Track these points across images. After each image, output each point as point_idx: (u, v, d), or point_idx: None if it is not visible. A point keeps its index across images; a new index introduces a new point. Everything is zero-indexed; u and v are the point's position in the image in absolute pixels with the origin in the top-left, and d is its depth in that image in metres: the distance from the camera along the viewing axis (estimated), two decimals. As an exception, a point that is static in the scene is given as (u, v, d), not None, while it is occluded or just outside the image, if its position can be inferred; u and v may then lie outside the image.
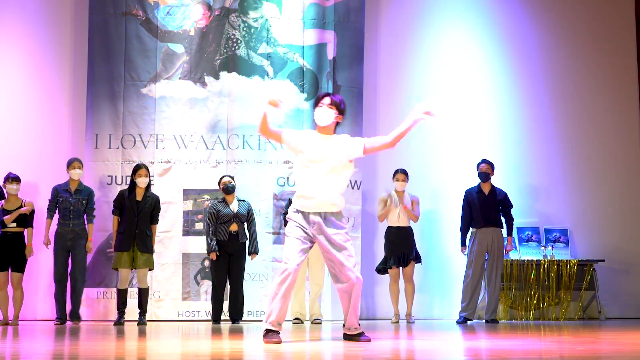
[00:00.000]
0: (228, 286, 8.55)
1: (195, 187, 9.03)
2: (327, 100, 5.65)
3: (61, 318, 8.32)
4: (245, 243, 8.51)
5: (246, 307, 8.66)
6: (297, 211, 5.59)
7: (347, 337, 5.67)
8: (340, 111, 5.67)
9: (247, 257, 8.59)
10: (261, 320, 8.71)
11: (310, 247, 5.62)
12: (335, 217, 5.58)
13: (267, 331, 5.47)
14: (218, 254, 8.36)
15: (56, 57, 9.33)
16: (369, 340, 5.57)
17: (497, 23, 10.10)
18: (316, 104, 5.71)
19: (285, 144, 5.72)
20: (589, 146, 10.02)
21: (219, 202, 8.58)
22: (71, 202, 8.41)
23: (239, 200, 8.59)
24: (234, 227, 8.45)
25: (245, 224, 8.56)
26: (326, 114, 5.61)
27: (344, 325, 5.70)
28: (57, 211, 8.44)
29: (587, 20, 10.21)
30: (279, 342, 5.38)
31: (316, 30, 9.37)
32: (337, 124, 5.74)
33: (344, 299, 5.60)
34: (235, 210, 8.49)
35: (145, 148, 9.02)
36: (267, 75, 9.25)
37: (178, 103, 9.11)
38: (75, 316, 8.36)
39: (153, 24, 9.14)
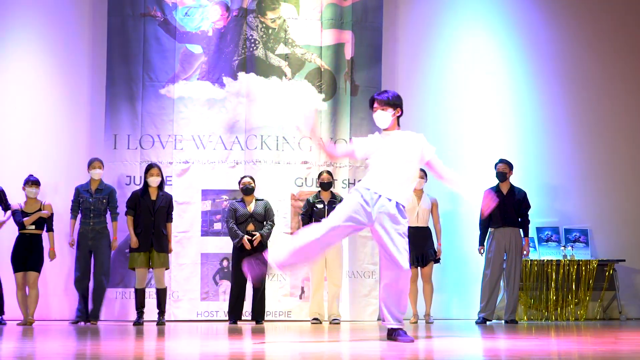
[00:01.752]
0: (248, 286, 8.56)
1: (213, 188, 9.06)
2: (375, 104, 5.74)
3: (84, 317, 8.37)
4: (264, 244, 8.51)
5: (266, 308, 8.66)
6: (367, 189, 5.55)
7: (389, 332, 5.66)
8: (394, 105, 5.72)
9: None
10: (281, 321, 8.74)
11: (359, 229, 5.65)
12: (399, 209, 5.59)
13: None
14: (241, 239, 8.35)
15: (75, 58, 9.39)
16: (411, 340, 5.49)
17: (515, 23, 10.06)
18: (370, 107, 5.83)
19: (360, 155, 5.78)
20: (608, 145, 9.95)
21: (237, 201, 8.61)
22: (91, 202, 8.47)
23: (257, 200, 8.61)
24: (250, 227, 8.47)
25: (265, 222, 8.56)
26: (382, 116, 5.70)
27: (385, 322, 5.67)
28: (79, 211, 8.51)
29: (605, 20, 10.14)
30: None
31: (334, 30, 9.36)
32: (398, 117, 5.79)
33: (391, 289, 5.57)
34: (252, 210, 8.50)
35: (164, 148, 9.05)
36: (285, 75, 9.25)
37: (196, 104, 9.14)
38: (95, 316, 8.40)
39: (171, 24, 9.17)
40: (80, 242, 8.45)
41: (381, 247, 5.61)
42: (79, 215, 8.50)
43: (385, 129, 5.74)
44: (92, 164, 8.56)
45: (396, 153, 5.62)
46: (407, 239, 5.60)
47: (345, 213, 5.51)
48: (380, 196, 5.53)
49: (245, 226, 8.47)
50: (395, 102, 5.73)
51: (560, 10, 10.12)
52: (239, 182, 8.66)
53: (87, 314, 8.39)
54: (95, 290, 8.43)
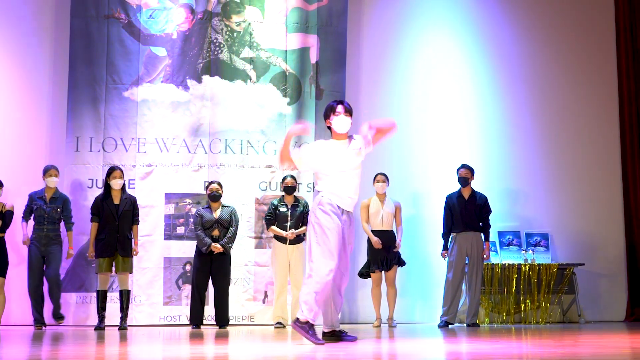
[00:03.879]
0: (210, 291, 8.54)
1: (177, 191, 9.00)
2: (341, 108, 5.96)
3: (41, 322, 8.29)
4: (227, 251, 8.49)
5: (229, 312, 8.64)
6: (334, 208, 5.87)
7: (337, 335, 5.99)
8: (351, 114, 6.04)
9: (232, 263, 8.58)
10: (244, 325, 8.74)
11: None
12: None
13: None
14: (213, 247, 8.34)
15: (37, 59, 9.27)
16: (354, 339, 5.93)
17: (479, 28, 10.16)
18: (331, 112, 5.97)
19: (303, 169, 6.21)
20: (568, 151, 10.10)
21: (204, 207, 8.58)
22: (45, 210, 8.39)
23: (224, 207, 8.59)
24: (215, 233, 8.44)
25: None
26: (345, 122, 5.95)
27: (328, 326, 6.01)
28: (32, 217, 8.43)
29: (568, 26, 10.30)
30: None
31: (299, 34, 9.38)
32: None
33: (338, 296, 5.97)
34: (218, 216, 8.48)
35: (127, 151, 8.98)
36: (250, 79, 9.24)
37: (160, 106, 9.08)
38: (58, 316, 8.34)
39: (135, 27, 9.11)
40: (32, 249, 8.38)
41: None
42: (32, 222, 8.43)
43: (340, 135, 5.98)
44: (48, 171, 8.47)
45: (348, 162, 5.91)
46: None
47: (336, 248, 5.78)
48: (342, 211, 5.89)
49: (211, 232, 8.44)
50: (351, 112, 6.04)
51: (525, 15, 10.25)
52: (206, 188, 8.63)
53: (43, 319, 8.32)
54: (51, 292, 8.36)
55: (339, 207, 5.84)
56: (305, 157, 5.98)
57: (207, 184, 8.73)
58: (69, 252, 8.47)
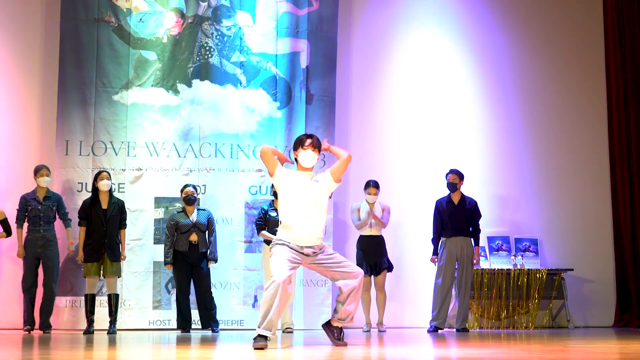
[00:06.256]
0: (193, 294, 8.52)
1: (166, 195, 8.99)
2: (308, 141, 6.06)
3: (31, 324, 8.24)
4: (206, 252, 8.48)
5: (218, 316, 8.62)
6: (283, 243, 5.91)
7: (331, 330, 6.19)
8: (320, 149, 6.13)
9: (222, 267, 8.56)
10: (234, 329, 8.72)
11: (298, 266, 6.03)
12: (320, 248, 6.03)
13: (258, 336, 5.75)
14: (172, 265, 8.40)
15: (26, 62, 9.24)
16: (345, 344, 6.07)
17: (469, 34, 10.19)
18: (299, 145, 6.07)
19: (275, 179, 6.06)
20: (558, 157, 10.13)
21: (178, 212, 8.56)
22: (40, 210, 8.34)
23: (199, 210, 8.57)
24: (193, 237, 8.42)
25: (207, 232, 8.53)
26: (311, 157, 6.05)
27: (335, 315, 6.19)
28: (26, 219, 8.38)
29: (558, 32, 10.35)
30: (265, 346, 5.68)
31: (289, 39, 9.38)
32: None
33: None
34: (195, 220, 8.46)
35: (117, 155, 8.96)
36: (240, 83, 9.24)
37: (150, 110, 9.06)
38: (46, 325, 8.28)
39: (125, 30, 9.09)
40: (28, 250, 8.32)
41: (329, 269, 6.07)
42: (26, 224, 8.39)
43: (307, 168, 6.09)
44: (39, 171, 8.43)
45: (313, 199, 5.96)
46: (340, 258, 6.16)
47: (284, 265, 5.79)
48: (303, 249, 5.93)
49: (188, 236, 8.42)
50: (320, 147, 6.12)
51: (516, 21, 10.29)
52: (181, 191, 8.60)
53: (33, 321, 8.27)
54: (45, 299, 8.30)
55: (297, 246, 5.89)
56: (281, 174, 6.02)
57: (181, 187, 8.68)
58: (70, 247, 8.43)
